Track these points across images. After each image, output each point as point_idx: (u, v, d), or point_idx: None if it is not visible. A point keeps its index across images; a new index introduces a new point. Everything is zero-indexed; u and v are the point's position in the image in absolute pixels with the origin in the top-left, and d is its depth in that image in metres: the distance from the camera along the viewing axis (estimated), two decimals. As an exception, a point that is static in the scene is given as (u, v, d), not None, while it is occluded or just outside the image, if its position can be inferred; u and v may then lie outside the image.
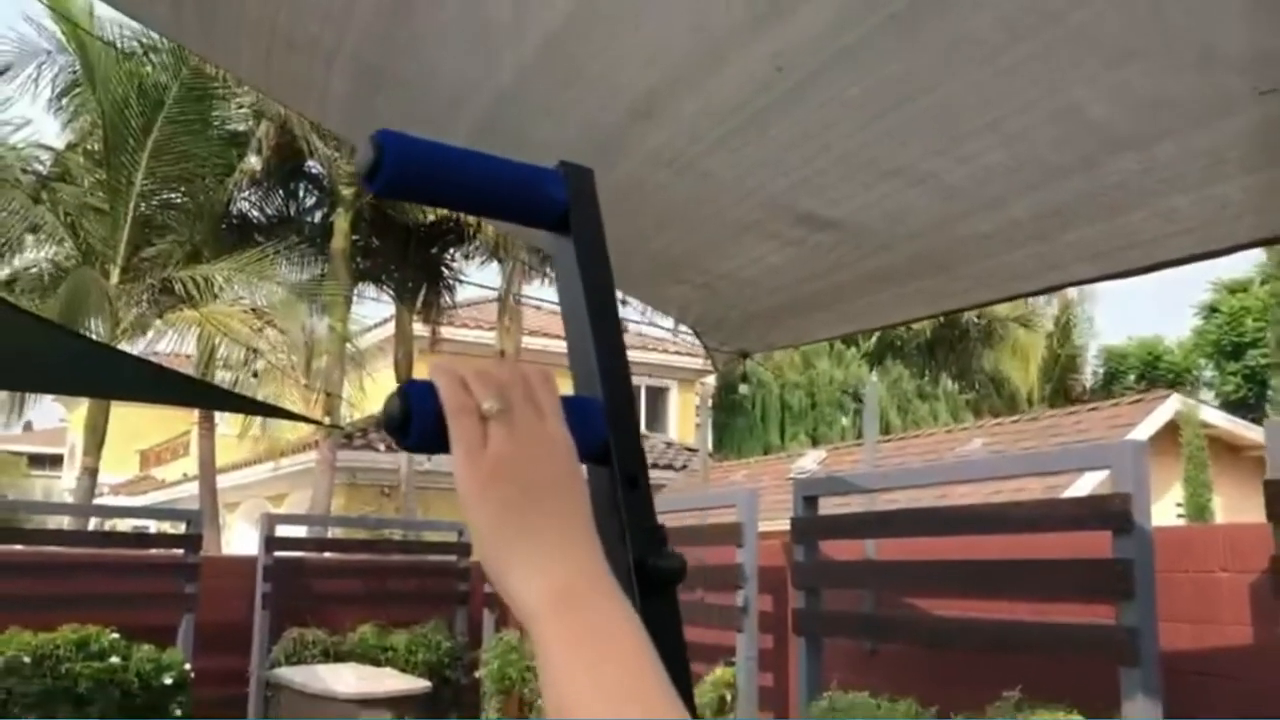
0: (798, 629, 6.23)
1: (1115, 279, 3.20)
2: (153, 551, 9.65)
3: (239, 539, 18.66)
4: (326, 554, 10.93)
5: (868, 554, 6.25)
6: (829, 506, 6.53)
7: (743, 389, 18.91)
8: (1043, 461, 5.16)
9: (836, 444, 16.68)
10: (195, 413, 25.01)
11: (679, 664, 0.65)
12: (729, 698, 6.70)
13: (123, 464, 28.14)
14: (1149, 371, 28.88)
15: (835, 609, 6.18)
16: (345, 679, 7.42)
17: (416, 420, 0.67)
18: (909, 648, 5.90)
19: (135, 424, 25.67)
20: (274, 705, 8.22)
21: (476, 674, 9.89)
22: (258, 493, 18.88)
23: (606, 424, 0.74)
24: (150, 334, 13.06)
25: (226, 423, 23.37)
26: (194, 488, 21.43)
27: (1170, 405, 10.76)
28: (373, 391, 13.87)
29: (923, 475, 6.64)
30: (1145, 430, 10.45)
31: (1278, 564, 3.57)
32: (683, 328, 16.03)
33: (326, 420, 11.75)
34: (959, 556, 5.19)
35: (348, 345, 12.85)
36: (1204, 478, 8.69)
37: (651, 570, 0.69)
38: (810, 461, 13.33)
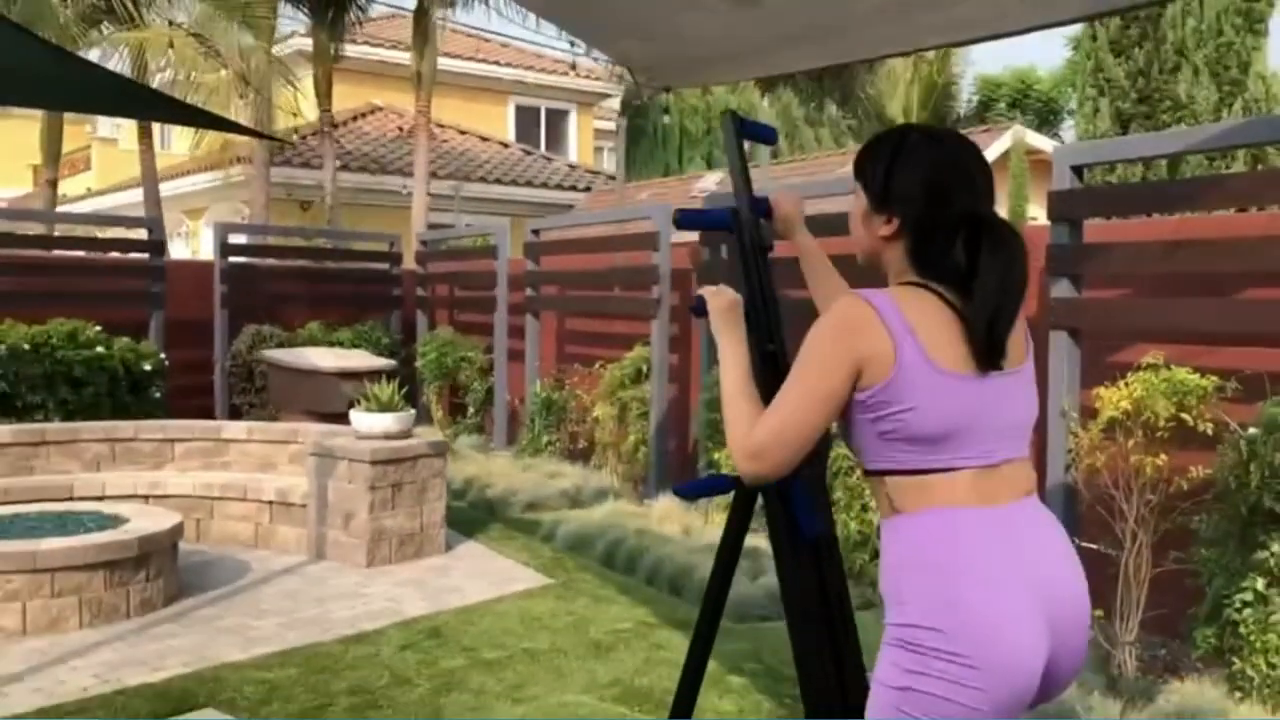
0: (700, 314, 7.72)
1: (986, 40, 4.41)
2: (130, 255, 10.56)
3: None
4: (270, 260, 11.97)
5: (761, 255, 7.68)
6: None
7: (665, 119, 19.84)
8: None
9: (731, 166, 17.98)
10: (93, 127, 24.82)
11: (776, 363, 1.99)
12: (645, 369, 8.27)
13: (14, 179, 27.88)
14: (1020, 100, 30.49)
15: (734, 298, 7.65)
16: (326, 357, 8.73)
17: (699, 304, 1.96)
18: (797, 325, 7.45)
19: (22, 139, 25.30)
20: (269, 385, 9.49)
21: (416, 364, 11.35)
22: (173, 207, 19.43)
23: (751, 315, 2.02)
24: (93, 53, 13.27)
25: (127, 139, 23.38)
26: (101, 202, 21.78)
27: (1011, 134, 12.54)
28: (304, 105, 14.40)
29: (808, 189, 8.01)
30: (990, 154, 12.38)
31: (1050, 250, 5.09)
32: (595, 54, 16.55)
33: (280, 136, 12.42)
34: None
35: (275, 61, 13.29)
36: (1023, 191, 10.39)
37: (767, 352, 2.02)
38: (710, 183, 14.59)
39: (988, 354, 1.70)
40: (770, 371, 1.94)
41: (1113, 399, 4.68)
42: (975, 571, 1.64)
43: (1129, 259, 5.10)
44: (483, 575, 6.16)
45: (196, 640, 4.96)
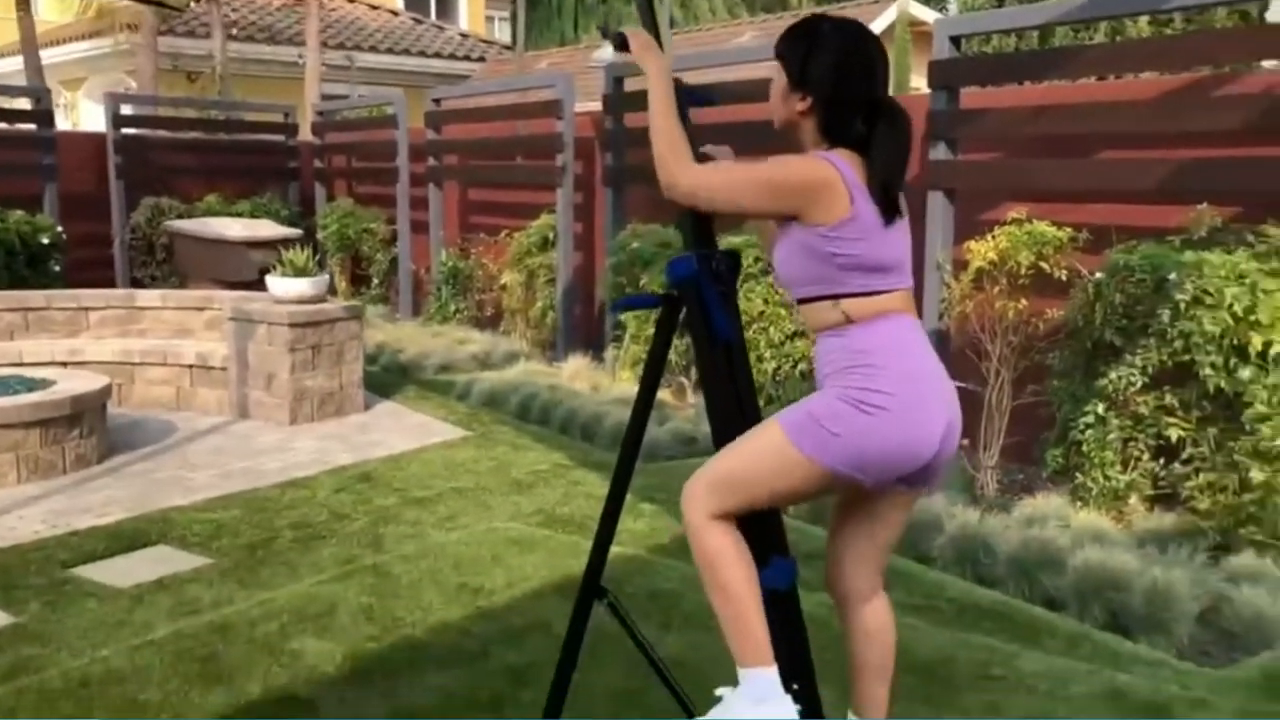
0: (606, 181, 8.04)
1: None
2: (17, 126, 10.26)
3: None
4: (162, 132, 11.77)
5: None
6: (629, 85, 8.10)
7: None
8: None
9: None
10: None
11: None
12: (551, 237, 8.58)
13: None
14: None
15: (636, 163, 7.95)
16: (232, 227, 8.79)
17: (619, 40, 2.26)
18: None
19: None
20: (175, 254, 9.48)
21: (317, 236, 11.41)
22: (48, 78, 18.63)
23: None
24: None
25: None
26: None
27: (896, 6, 13.07)
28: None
29: (704, 59, 8.29)
30: (877, 26, 12.88)
31: (930, 116, 5.52)
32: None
33: (174, 3, 11.99)
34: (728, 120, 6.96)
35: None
36: (905, 61, 10.89)
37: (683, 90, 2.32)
38: (608, 52, 14.59)
39: (888, 206, 2.14)
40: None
41: (981, 251, 5.20)
42: (919, 366, 2.14)
43: (1000, 124, 5.57)
44: (403, 430, 6.52)
45: (136, 491, 5.24)
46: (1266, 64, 4.90)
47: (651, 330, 7.09)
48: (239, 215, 10.89)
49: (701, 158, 2.41)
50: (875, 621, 2.34)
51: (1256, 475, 4.13)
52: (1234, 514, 4.24)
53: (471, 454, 5.91)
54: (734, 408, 2.32)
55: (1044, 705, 3.10)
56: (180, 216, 10.49)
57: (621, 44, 2.32)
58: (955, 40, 5.48)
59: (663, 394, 6.86)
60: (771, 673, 2.17)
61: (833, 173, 2.10)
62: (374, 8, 20.01)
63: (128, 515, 4.83)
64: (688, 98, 2.39)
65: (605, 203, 8.14)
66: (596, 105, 8.94)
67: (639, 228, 7.51)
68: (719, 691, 2.23)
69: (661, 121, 2.23)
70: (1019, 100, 5.70)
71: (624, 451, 2.44)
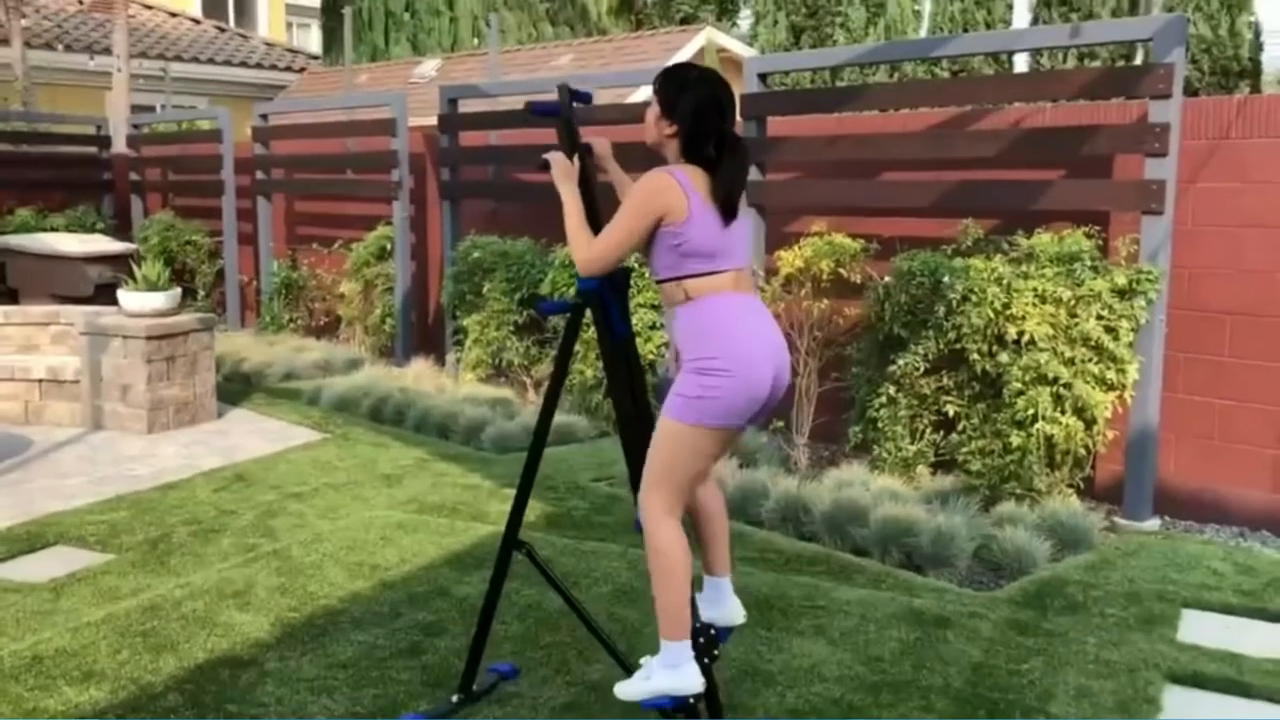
0: (443, 195, 8.55)
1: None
2: None
3: None
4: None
5: (490, 141, 8.56)
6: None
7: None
8: (620, 78, 7.62)
9: (448, 54, 18.28)
10: None
11: (594, 209, 2.95)
12: (388, 247, 9.01)
13: None
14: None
15: (471, 179, 8.51)
16: (68, 242, 8.80)
17: (543, 164, 2.89)
18: (521, 206, 8.41)
19: None
20: (8, 270, 9.34)
21: (138, 248, 11.38)
22: None
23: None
24: None
25: None
26: None
27: (705, 35, 14.11)
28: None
29: (537, 85, 8.92)
30: (686, 53, 13.80)
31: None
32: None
33: None
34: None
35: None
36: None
37: (587, 174, 2.98)
38: (429, 69, 14.96)
39: (727, 211, 2.83)
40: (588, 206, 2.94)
41: (790, 259, 6.05)
42: (741, 328, 2.79)
43: (802, 150, 6.43)
44: (261, 434, 6.87)
45: (13, 500, 5.44)
46: (1015, 104, 5.93)
47: (493, 333, 7.70)
48: (54, 229, 10.80)
49: (587, 148, 3.09)
50: (711, 503, 3.02)
51: (1014, 440, 5.09)
52: (999, 473, 5.20)
53: (335, 453, 6.35)
54: (626, 385, 2.99)
55: (859, 623, 3.90)
56: (-7, 232, 10.33)
57: (544, 166, 2.95)
58: (763, 77, 6.31)
59: (507, 392, 7.45)
60: (687, 645, 2.81)
61: (673, 182, 2.78)
62: (173, 15, 19.66)
63: (16, 521, 5.07)
64: (571, 97, 3.06)
65: (442, 216, 8.63)
66: (422, 121, 9.39)
67: (477, 239, 8.06)
68: (642, 660, 2.88)
69: (573, 230, 2.90)
70: (817, 129, 6.59)
71: (538, 427, 3.08)
